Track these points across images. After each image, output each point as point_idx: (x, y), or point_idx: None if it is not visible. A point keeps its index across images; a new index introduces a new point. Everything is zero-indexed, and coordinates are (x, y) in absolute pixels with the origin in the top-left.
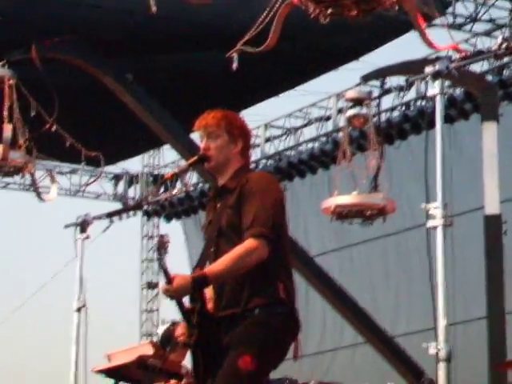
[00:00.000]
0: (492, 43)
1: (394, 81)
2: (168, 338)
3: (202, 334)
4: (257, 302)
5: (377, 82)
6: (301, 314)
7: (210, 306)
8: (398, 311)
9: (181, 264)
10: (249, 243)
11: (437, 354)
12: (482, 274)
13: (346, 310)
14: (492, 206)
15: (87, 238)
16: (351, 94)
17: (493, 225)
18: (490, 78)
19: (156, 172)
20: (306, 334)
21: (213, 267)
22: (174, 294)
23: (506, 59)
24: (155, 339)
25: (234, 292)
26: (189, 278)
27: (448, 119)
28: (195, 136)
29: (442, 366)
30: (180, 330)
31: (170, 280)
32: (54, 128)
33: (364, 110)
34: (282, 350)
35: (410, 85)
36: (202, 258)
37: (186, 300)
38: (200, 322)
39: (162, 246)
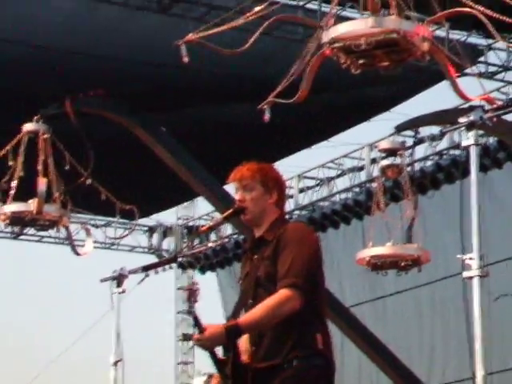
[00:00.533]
0: None
1: (427, 130)
2: None
3: None
4: (296, 354)
5: (409, 132)
6: (336, 365)
7: (244, 357)
8: (432, 362)
9: (215, 315)
10: (282, 294)
11: None
12: None
13: (381, 360)
14: None
15: (123, 291)
16: (385, 144)
17: None
18: None
19: (190, 224)
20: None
21: (245, 317)
22: (207, 344)
23: None
24: None
25: (273, 343)
26: (222, 328)
27: (481, 168)
28: (229, 188)
29: None
30: (215, 381)
31: (201, 329)
32: (88, 181)
33: (397, 160)
34: None
35: (442, 134)
36: (238, 308)
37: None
38: (233, 373)
39: (191, 295)
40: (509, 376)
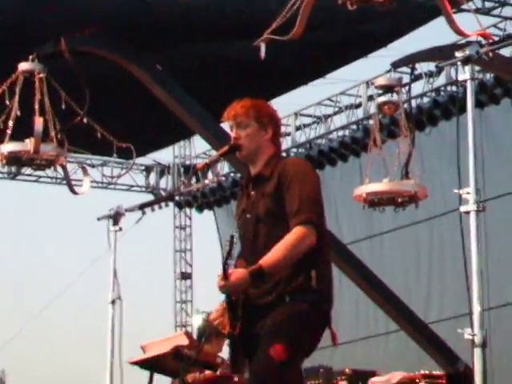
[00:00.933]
0: None
1: (424, 67)
2: (203, 330)
3: (245, 326)
4: (288, 290)
5: (406, 69)
6: (334, 302)
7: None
8: (430, 297)
9: (213, 253)
10: (299, 231)
11: (472, 339)
12: None
13: (379, 296)
14: None
15: (120, 230)
16: (381, 81)
17: None
18: None
19: (187, 162)
20: (339, 321)
21: (267, 259)
22: (232, 289)
23: None
24: (189, 329)
25: (269, 281)
26: (246, 273)
27: (478, 104)
28: (225, 126)
29: (477, 352)
30: (215, 315)
31: (226, 275)
32: (84, 120)
33: (394, 97)
34: (314, 338)
35: (439, 71)
36: (242, 246)
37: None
38: (244, 314)
39: (232, 248)
40: (508, 311)
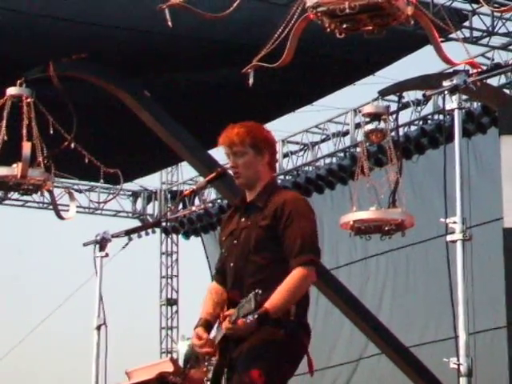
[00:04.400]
0: (509, 57)
1: (412, 95)
2: (189, 356)
3: (223, 352)
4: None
5: (394, 97)
6: (322, 325)
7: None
8: (412, 323)
9: (199, 279)
10: (302, 272)
11: (458, 368)
12: (502, 283)
13: (359, 319)
14: (511, 219)
15: (106, 255)
16: (368, 108)
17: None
18: (507, 91)
19: (174, 189)
20: (331, 344)
21: (273, 302)
22: (240, 333)
23: None
24: (175, 356)
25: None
26: (250, 318)
27: (466, 133)
28: (213, 152)
29: (463, 381)
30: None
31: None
32: (72, 145)
33: (382, 125)
34: (292, 363)
35: (427, 99)
36: (227, 271)
37: None
38: (223, 340)
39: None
40: (491, 336)
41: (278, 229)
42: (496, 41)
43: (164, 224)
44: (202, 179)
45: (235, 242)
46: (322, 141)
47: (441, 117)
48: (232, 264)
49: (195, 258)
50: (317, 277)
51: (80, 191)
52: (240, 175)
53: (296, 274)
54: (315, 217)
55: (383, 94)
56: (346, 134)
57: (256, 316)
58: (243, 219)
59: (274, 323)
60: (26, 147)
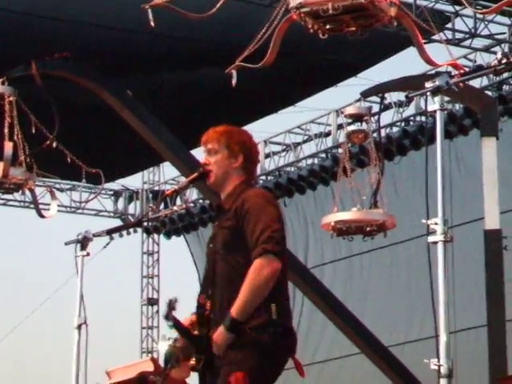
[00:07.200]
0: (491, 58)
1: (394, 96)
2: (170, 356)
3: (208, 356)
4: (250, 324)
5: (376, 98)
6: (307, 323)
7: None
8: (398, 322)
9: (180, 279)
10: (258, 263)
11: (438, 369)
12: (482, 283)
13: (338, 318)
14: (492, 221)
15: (87, 255)
16: (351, 110)
17: (493, 239)
18: (489, 93)
19: (156, 188)
20: (316, 341)
21: (236, 306)
22: (217, 348)
23: (505, 75)
24: (156, 355)
25: (226, 314)
26: (222, 330)
27: (448, 135)
28: (195, 152)
29: (443, 382)
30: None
31: (186, 332)
32: (54, 145)
33: (363, 126)
34: (276, 367)
35: (409, 101)
36: (206, 281)
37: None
38: (207, 347)
39: (172, 308)
40: (473, 334)
41: (242, 228)
42: (478, 43)
43: (145, 224)
44: (183, 179)
45: (211, 245)
46: (304, 141)
47: (423, 118)
48: (208, 267)
49: (176, 257)
50: (282, 264)
51: (62, 190)
52: (211, 174)
53: (253, 267)
54: (277, 208)
55: (365, 95)
56: (328, 134)
57: (224, 327)
58: (217, 223)
59: (258, 327)
60: (8, 146)
